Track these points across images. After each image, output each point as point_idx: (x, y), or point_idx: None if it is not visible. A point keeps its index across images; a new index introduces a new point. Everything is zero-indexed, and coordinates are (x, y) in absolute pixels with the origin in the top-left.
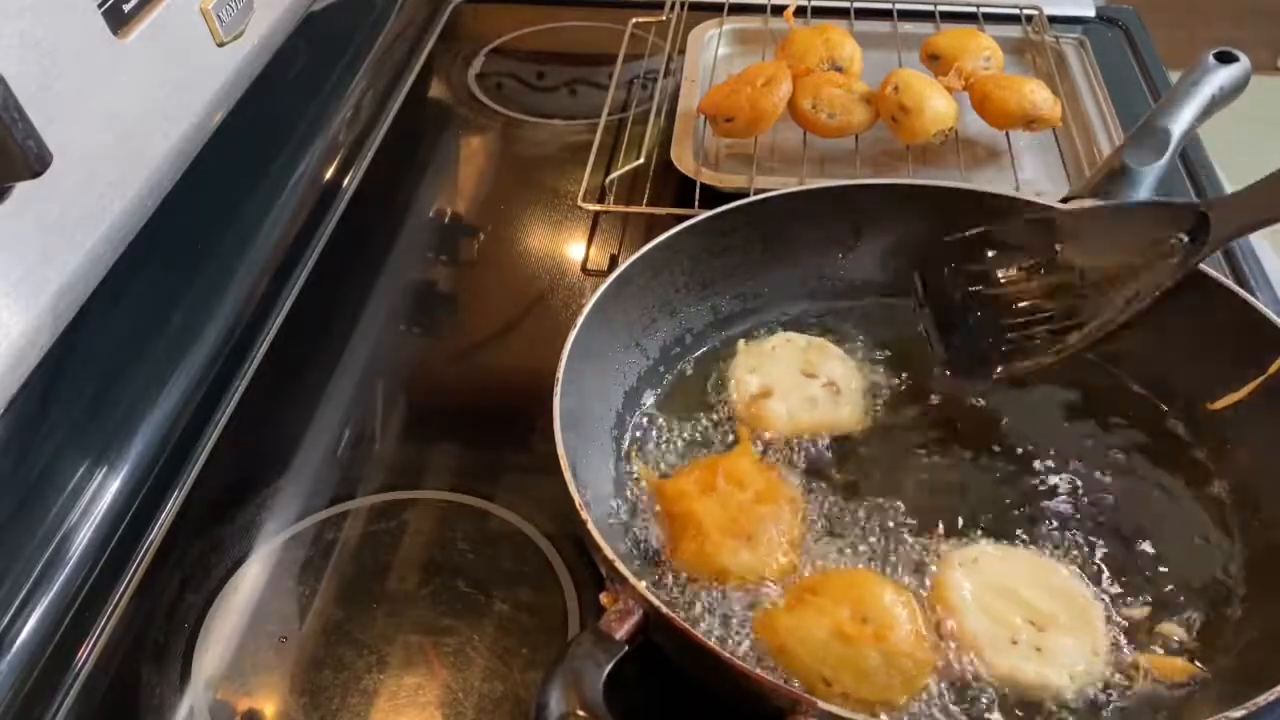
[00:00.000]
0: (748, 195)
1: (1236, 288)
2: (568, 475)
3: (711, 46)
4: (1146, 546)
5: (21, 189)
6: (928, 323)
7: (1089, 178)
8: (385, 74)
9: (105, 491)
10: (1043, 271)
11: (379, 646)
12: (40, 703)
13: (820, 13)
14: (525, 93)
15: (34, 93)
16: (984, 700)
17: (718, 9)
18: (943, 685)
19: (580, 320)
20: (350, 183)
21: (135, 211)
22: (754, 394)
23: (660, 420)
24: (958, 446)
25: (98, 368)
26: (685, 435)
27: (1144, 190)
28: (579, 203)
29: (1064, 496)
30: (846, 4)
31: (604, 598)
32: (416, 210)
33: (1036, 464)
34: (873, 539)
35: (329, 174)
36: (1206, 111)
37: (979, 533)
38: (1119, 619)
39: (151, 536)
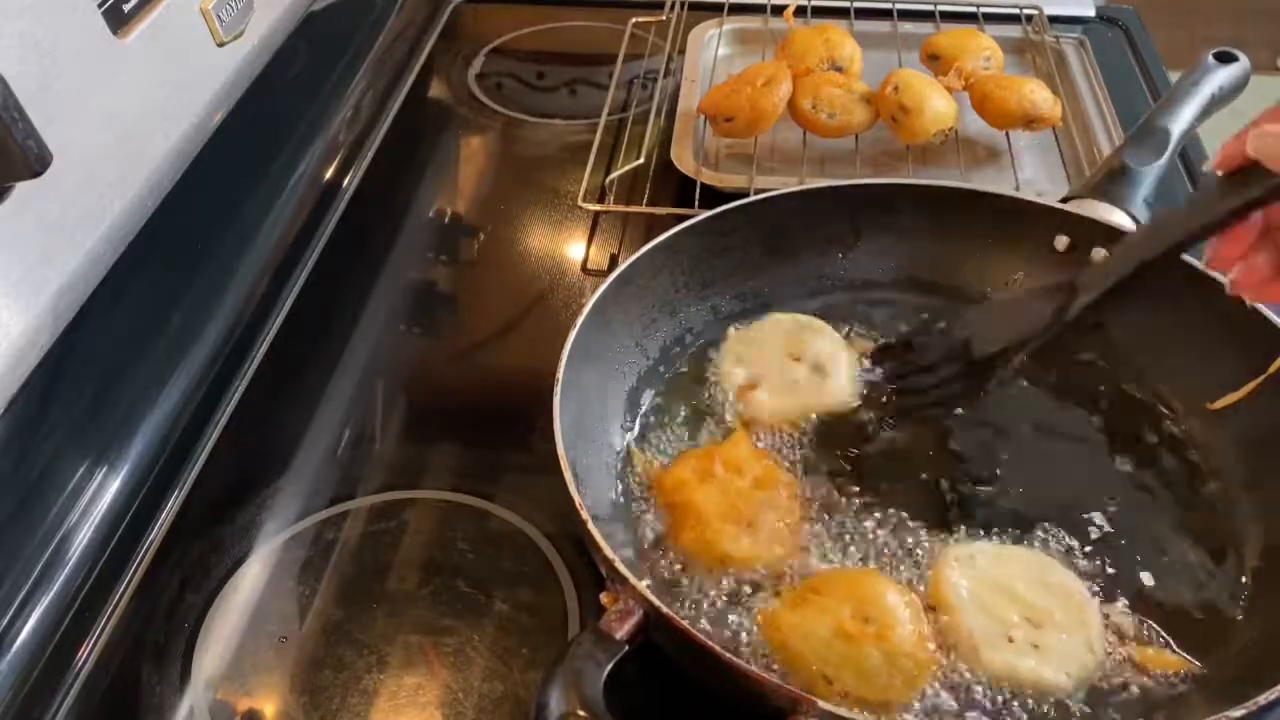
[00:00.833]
0: (748, 195)
1: None
2: (568, 475)
3: (711, 46)
4: (1145, 546)
5: (21, 189)
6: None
7: (1089, 177)
8: (385, 74)
9: (105, 491)
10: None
11: (379, 646)
12: (40, 703)
13: (820, 13)
14: (525, 93)
15: (34, 93)
16: (981, 699)
17: (718, 9)
18: (937, 685)
19: (580, 320)
20: (350, 183)
21: (135, 211)
22: (740, 385)
23: (660, 419)
24: (952, 445)
25: (98, 368)
26: (685, 435)
27: (1144, 189)
28: (579, 203)
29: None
30: (846, 4)
31: (604, 598)
32: (416, 210)
33: (1030, 465)
34: (869, 526)
35: (329, 174)
36: (1206, 111)
37: (975, 529)
38: (1117, 614)
39: (151, 536)
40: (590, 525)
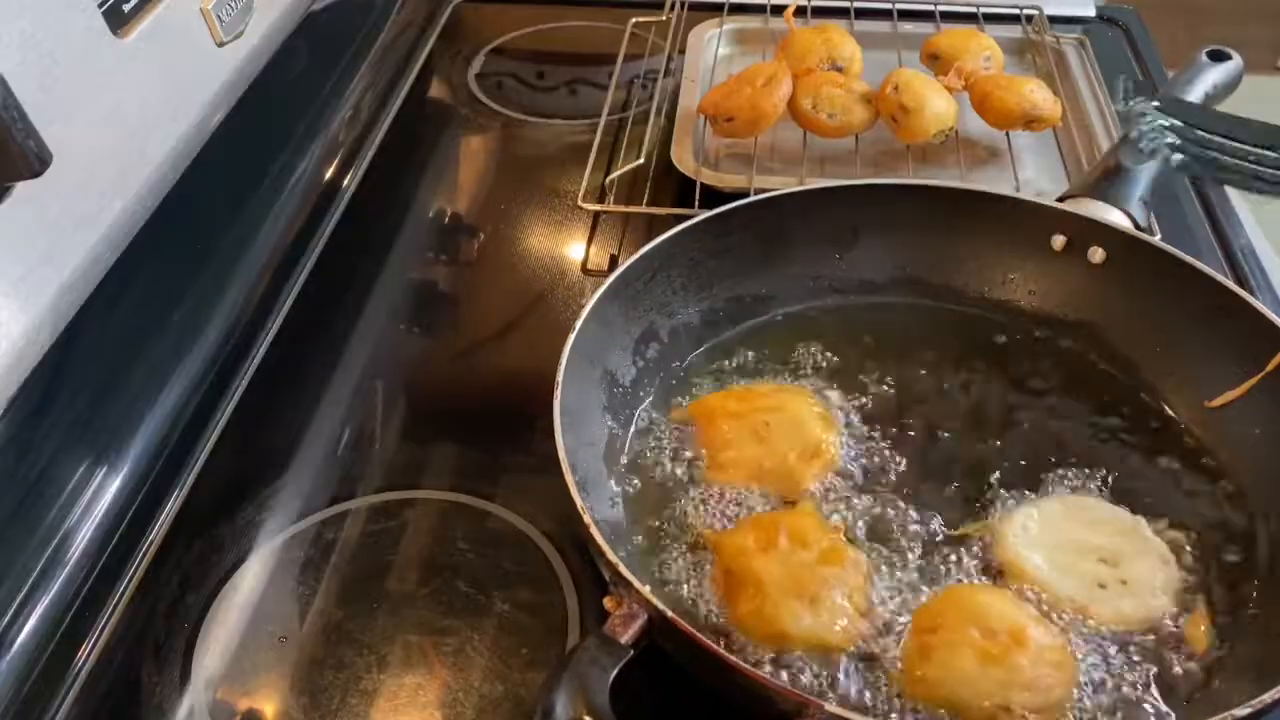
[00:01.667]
0: (748, 195)
1: (1236, 288)
2: (569, 477)
3: (711, 46)
4: None
5: (21, 189)
6: None
7: (1084, 176)
8: (385, 74)
9: (105, 491)
10: None
11: (379, 646)
12: (40, 703)
13: (820, 13)
14: (525, 93)
15: (34, 93)
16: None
17: (718, 9)
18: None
19: (580, 320)
20: (350, 183)
21: (135, 211)
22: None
23: (659, 419)
24: (958, 445)
25: (98, 368)
26: (684, 433)
27: (1140, 188)
28: (579, 203)
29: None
30: (846, 4)
31: (608, 601)
32: (416, 210)
33: (1033, 464)
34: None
35: (329, 174)
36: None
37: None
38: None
39: (151, 536)
40: (593, 528)
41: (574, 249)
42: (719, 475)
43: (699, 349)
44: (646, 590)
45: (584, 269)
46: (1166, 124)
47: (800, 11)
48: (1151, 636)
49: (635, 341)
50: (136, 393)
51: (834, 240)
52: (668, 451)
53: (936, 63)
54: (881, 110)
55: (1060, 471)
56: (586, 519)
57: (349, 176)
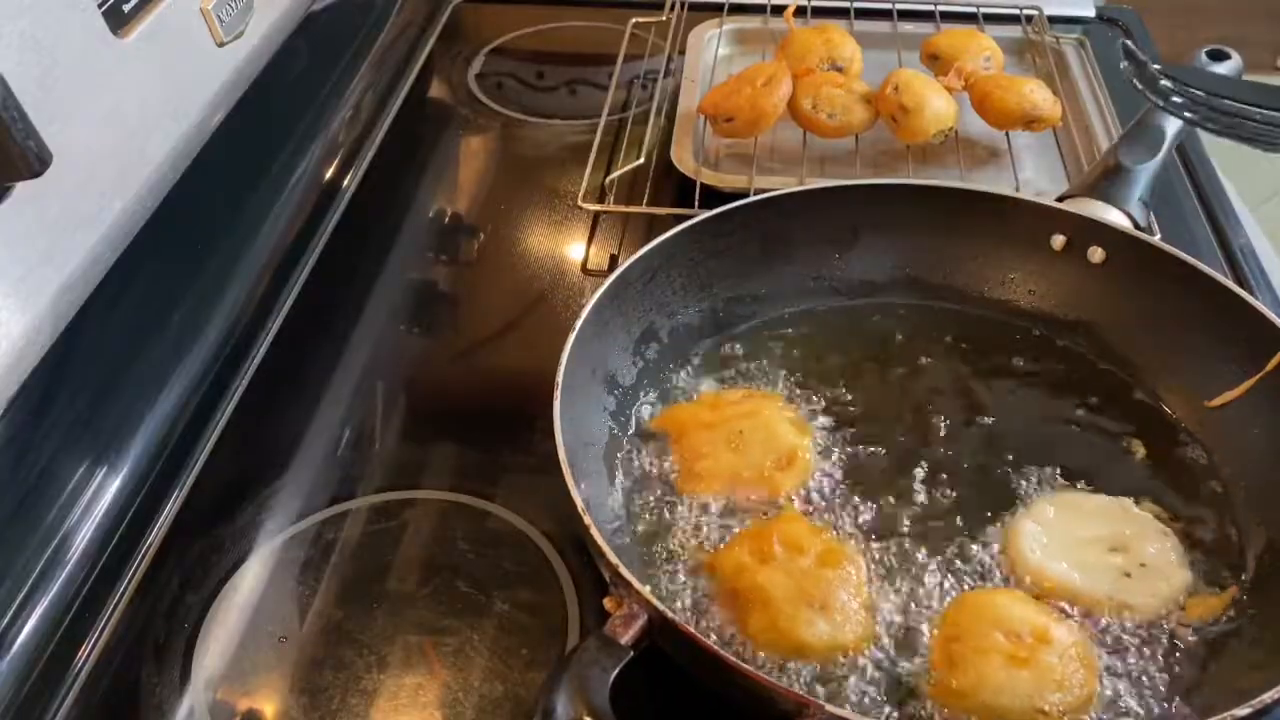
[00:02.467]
0: (748, 195)
1: (1236, 288)
2: (569, 479)
3: (711, 46)
4: None
5: (21, 189)
6: None
7: (1084, 176)
8: (385, 74)
9: (105, 491)
10: None
11: (379, 646)
12: (40, 703)
13: (820, 13)
14: (525, 93)
15: (34, 93)
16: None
17: (718, 9)
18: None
19: (580, 320)
20: (350, 183)
21: (135, 211)
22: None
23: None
24: (959, 444)
25: (98, 368)
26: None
27: (1139, 188)
28: (579, 203)
29: None
30: (846, 4)
31: (608, 602)
32: (416, 210)
33: (1034, 464)
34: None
35: (329, 174)
36: None
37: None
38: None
39: (151, 536)
40: (593, 529)
41: (574, 249)
42: (694, 486)
43: (699, 349)
44: (646, 591)
45: (584, 269)
46: (1179, 91)
47: (800, 11)
48: (1162, 616)
49: (635, 342)
50: (136, 393)
51: (834, 240)
52: (668, 453)
53: (936, 63)
54: (881, 110)
55: (1056, 470)
56: (586, 519)
57: (349, 176)
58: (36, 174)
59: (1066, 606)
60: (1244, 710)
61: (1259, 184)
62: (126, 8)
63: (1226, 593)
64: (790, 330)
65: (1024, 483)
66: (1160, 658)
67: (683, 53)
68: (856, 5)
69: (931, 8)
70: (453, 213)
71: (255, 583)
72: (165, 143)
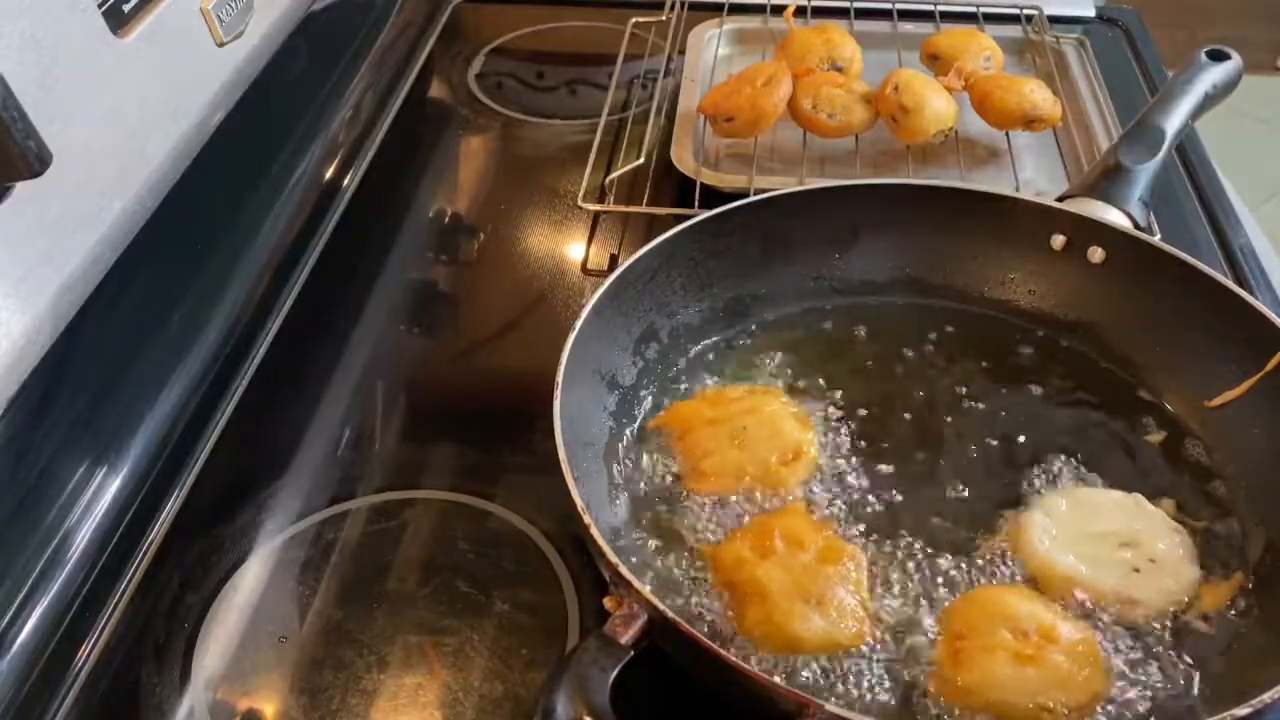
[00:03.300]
0: (748, 195)
1: (1236, 288)
2: (569, 479)
3: (711, 46)
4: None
5: (21, 189)
6: None
7: (1084, 176)
8: (385, 74)
9: (105, 491)
10: None
11: (379, 646)
12: (40, 703)
13: (820, 13)
14: (525, 93)
15: (34, 93)
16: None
17: (718, 9)
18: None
19: (580, 320)
20: (350, 183)
21: (135, 211)
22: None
23: (658, 425)
24: (960, 444)
25: (98, 368)
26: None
27: (1139, 188)
28: (579, 203)
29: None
30: (846, 4)
31: (608, 602)
32: (416, 210)
33: (1036, 464)
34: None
35: (329, 174)
36: (1200, 109)
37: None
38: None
39: (151, 536)
40: (593, 529)
41: (574, 249)
42: (700, 484)
43: (699, 349)
44: (647, 591)
45: (584, 269)
46: None
47: (800, 11)
48: (1168, 611)
49: (635, 342)
50: (136, 393)
51: (834, 240)
52: (668, 452)
53: (936, 63)
54: (881, 110)
55: (1058, 468)
56: (586, 519)
57: (349, 176)
58: (36, 174)
59: (1081, 596)
60: (1244, 710)
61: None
62: (126, 8)
63: (1234, 579)
64: (790, 330)
65: (1025, 482)
66: (1165, 657)
67: (683, 53)
68: (856, 5)
69: (931, 8)
70: (453, 213)
71: (255, 583)
72: (165, 143)
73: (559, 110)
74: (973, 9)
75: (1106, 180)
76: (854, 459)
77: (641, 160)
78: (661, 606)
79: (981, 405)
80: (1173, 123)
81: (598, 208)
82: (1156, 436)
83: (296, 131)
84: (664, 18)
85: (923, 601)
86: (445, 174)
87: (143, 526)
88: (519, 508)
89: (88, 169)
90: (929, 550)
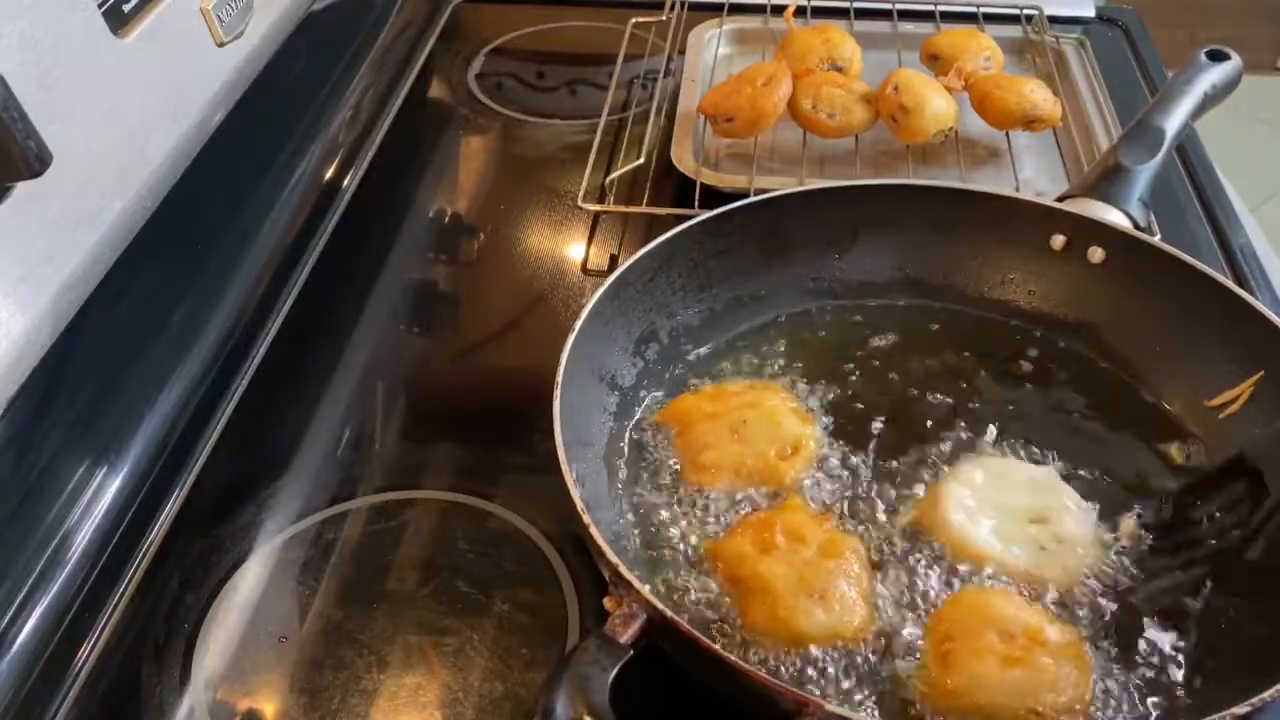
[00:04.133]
0: (748, 195)
1: (1236, 288)
2: (568, 478)
3: (711, 46)
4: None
5: (21, 189)
6: None
7: (1084, 176)
8: (385, 74)
9: (105, 491)
10: None
11: (379, 646)
12: (40, 703)
13: (820, 13)
14: (525, 93)
15: (34, 93)
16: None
17: (718, 9)
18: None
19: (580, 321)
20: (350, 183)
21: (135, 211)
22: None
23: (659, 420)
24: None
25: (98, 368)
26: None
27: (1139, 188)
28: (579, 203)
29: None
30: (846, 4)
31: (608, 602)
32: (416, 210)
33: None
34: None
35: (329, 174)
36: (1199, 109)
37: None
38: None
39: (151, 536)
40: (593, 529)
41: (574, 249)
42: (699, 477)
43: (699, 349)
44: (646, 590)
45: (584, 269)
46: None
47: (800, 11)
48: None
49: (635, 342)
50: (136, 393)
51: (834, 240)
52: (667, 452)
53: (936, 63)
54: (881, 110)
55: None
56: (586, 519)
57: (349, 176)
58: (36, 174)
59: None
60: (1243, 709)
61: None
62: (126, 8)
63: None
64: (790, 330)
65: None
66: (1155, 656)
67: (683, 53)
68: (856, 5)
69: (931, 8)
70: (453, 213)
71: (255, 583)
72: (165, 143)
73: (559, 110)
74: (973, 9)
75: (1106, 180)
76: (853, 456)
77: (641, 160)
78: (661, 606)
79: (980, 405)
80: (1173, 123)
81: (598, 208)
82: (1156, 436)
83: (296, 131)
84: (664, 18)
85: (914, 600)
86: (445, 174)
87: (143, 526)
88: (519, 508)
89: (88, 169)
90: (925, 548)
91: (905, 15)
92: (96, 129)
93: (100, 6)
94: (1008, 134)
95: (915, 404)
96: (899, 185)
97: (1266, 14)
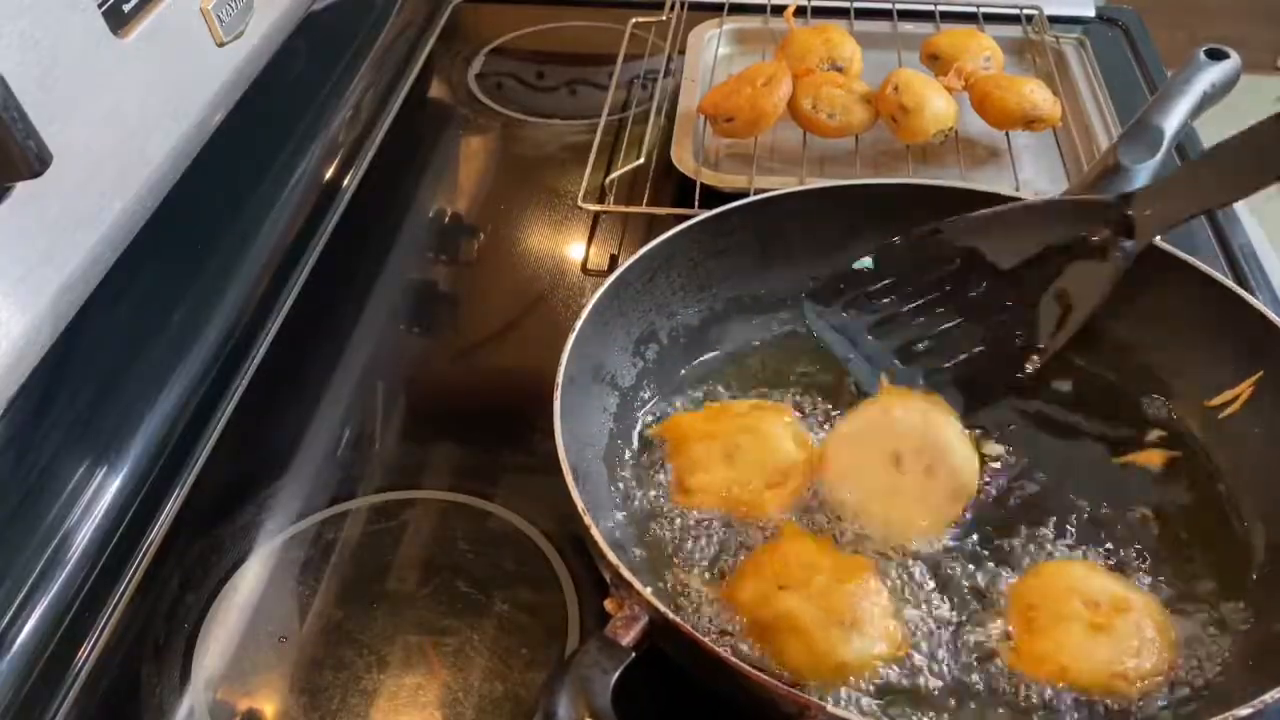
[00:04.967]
0: (748, 195)
1: (1236, 288)
2: (569, 480)
3: (711, 46)
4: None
5: (21, 189)
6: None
7: (1083, 176)
8: (385, 74)
9: (105, 491)
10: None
11: (379, 646)
12: (40, 703)
13: (820, 13)
14: (525, 93)
15: (34, 93)
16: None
17: (718, 9)
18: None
19: (580, 321)
20: (350, 183)
21: (135, 211)
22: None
23: (658, 422)
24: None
25: (98, 368)
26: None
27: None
28: (579, 203)
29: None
30: (846, 4)
31: (609, 604)
32: (416, 210)
33: (1036, 466)
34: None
35: (329, 174)
36: (1199, 108)
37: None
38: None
39: (151, 536)
40: (594, 530)
41: (574, 249)
42: (685, 500)
43: (698, 350)
44: (648, 592)
45: (584, 269)
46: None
47: (800, 11)
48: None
49: (635, 342)
50: (136, 393)
51: (833, 240)
52: (666, 454)
53: (936, 63)
54: (881, 110)
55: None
56: (587, 520)
57: (349, 176)
58: (36, 174)
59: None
60: (1245, 710)
61: None
62: (126, 8)
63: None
64: (790, 330)
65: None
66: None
67: (683, 53)
68: (856, 5)
69: (931, 8)
70: (453, 213)
71: (255, 583)
72: (165, 143)
73: (559, 110)
74: (973, 9)
75: (1106, 180)
76: None
77: (641, 160)
78: (663, 608)
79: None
80: (1171, 122)
81: (598, 208)
82: (1156, 436)
83: (296, 131)
84: (664, 18)
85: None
86: (445, 174)
87: (143, 526)
88: (519, 508)
89: (88, 169)
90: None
91: (905, 15)
92: (96, 129)
93: (100, 6)
94: (1008, 134)
95: None
96: (899, 185)
97: (1266, 14)
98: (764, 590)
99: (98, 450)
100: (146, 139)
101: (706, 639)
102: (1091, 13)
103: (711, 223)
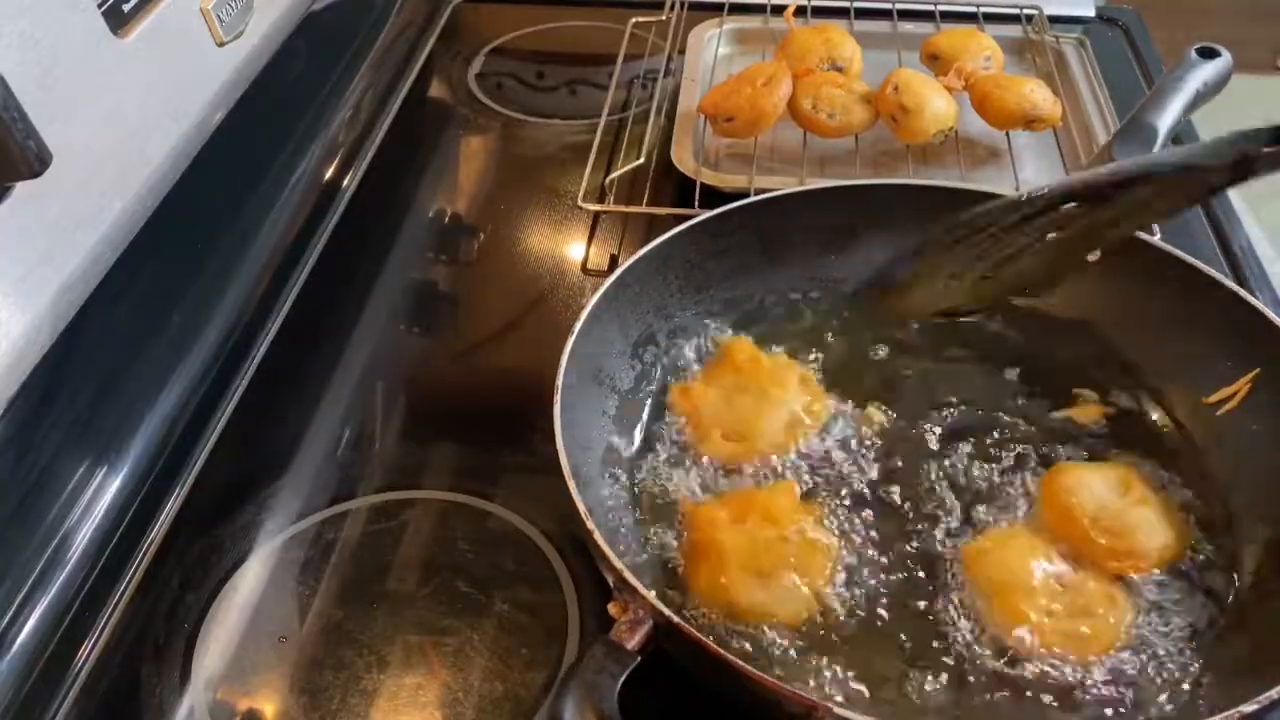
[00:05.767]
0: (748, 195)
1: (1236, 288)
2: (570, 481)
3: (711, 46)
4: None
5: (21, 189)
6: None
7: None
8: (385, 74)
9: (105, 491)
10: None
11: (379, 646)
12: (40, 703)
13: (820, 13)
14: (525, 93)
15: (34, 93)
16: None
17: (718, 9)
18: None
19: (580, 321)
20: (350, 183)
21: (135, 211)
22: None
23: (658, 422)
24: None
25: (98, 368)
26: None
27: None
28: (579, 203)
29: None
30: (846, 4)
31: (612, 608)
32: (416, 210)
33: (1035, 462)
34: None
35: (329, 174)
36: (1192, 106)
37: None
38: None
39: (151, 536)
40: (596, 534)
41: (574, 249)
42: (705, 445)
43: (698, 350)
44: (651, 595)
45: (584, 269)
46: None
47: (800, 11)
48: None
49: (634, 344)
50: (136, 393)
51: (833, 240)
52: (666, 455)
53: (936, 63)
54: (881, 110)
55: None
56: (589, 524)
57: (349, 176)
58: (36, 174)
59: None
60: (1250, 707)
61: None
62: (126, 8)
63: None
64: (790, 330)
65: (1017, 480)
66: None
67: (683, 53)
68: (856, 5)
69: (931, 8)
70: (453, 213)
71: (255, 583)
72: (165, 143)
73: (559, 110)
74: (973, 9)
75: None
76: (851, 452)
77: (641, 160)
78: (667, 612)
79: (980, 404)
80: (1165, 120)
81: (598, 208)
82: (1155, 435)
83: (296, 131)
84: (664, 18)
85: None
86: (445, 174)
87: (143, 526)
88: (519, 508)
89: (88, 169)
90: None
91: (905, 15)
92: (96, 129)
93: (100, 6)
94: (1008, 134)
95: (912, 402)
96: (899, 185)
97: (1266, 14)
98: (718, 517)
99: (98, 450)
100: (146, 139)
101: (710, 640)
102: (1091, 13)
103: (711, 223)
